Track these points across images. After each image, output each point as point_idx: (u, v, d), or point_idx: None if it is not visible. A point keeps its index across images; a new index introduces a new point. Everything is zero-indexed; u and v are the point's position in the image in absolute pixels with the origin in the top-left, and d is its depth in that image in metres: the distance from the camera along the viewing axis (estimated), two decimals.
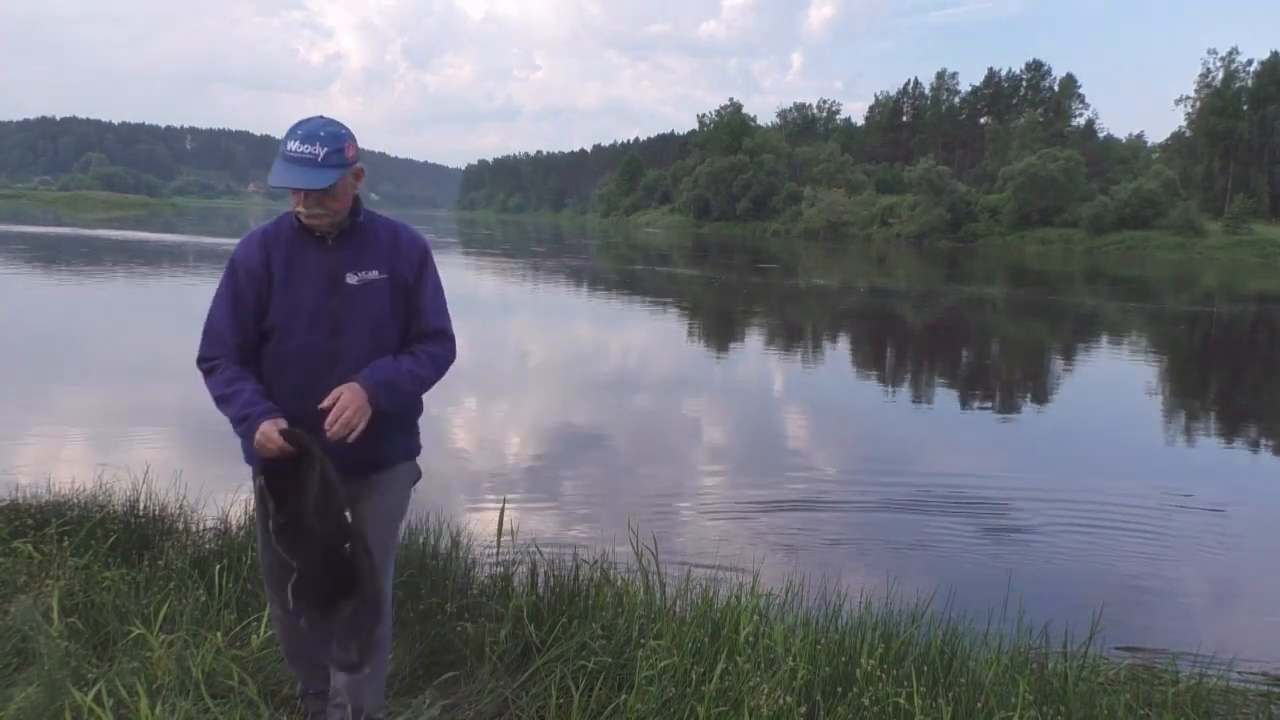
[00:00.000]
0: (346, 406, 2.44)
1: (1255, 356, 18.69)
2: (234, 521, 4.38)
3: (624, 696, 2.91)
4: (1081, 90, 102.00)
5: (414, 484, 2.84)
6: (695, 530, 6.32)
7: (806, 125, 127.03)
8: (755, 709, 2.75)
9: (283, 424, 2.42)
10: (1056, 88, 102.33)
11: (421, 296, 2.68)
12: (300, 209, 2.52)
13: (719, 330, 19.96)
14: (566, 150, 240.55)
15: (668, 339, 17.79)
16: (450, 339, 2.74)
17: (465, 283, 27.42)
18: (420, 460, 2.84)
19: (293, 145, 2.45)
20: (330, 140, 2.45)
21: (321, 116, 2.55)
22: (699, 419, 10.65)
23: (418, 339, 2.68)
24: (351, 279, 2.57)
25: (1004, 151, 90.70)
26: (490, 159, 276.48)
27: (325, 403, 2.43)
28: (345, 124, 2.56)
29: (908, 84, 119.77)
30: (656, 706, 2.85)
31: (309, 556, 2.45)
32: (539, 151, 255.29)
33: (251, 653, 3.19)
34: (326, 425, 2.42)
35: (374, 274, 2.60)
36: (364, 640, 2.51)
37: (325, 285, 2.56)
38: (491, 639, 3.30)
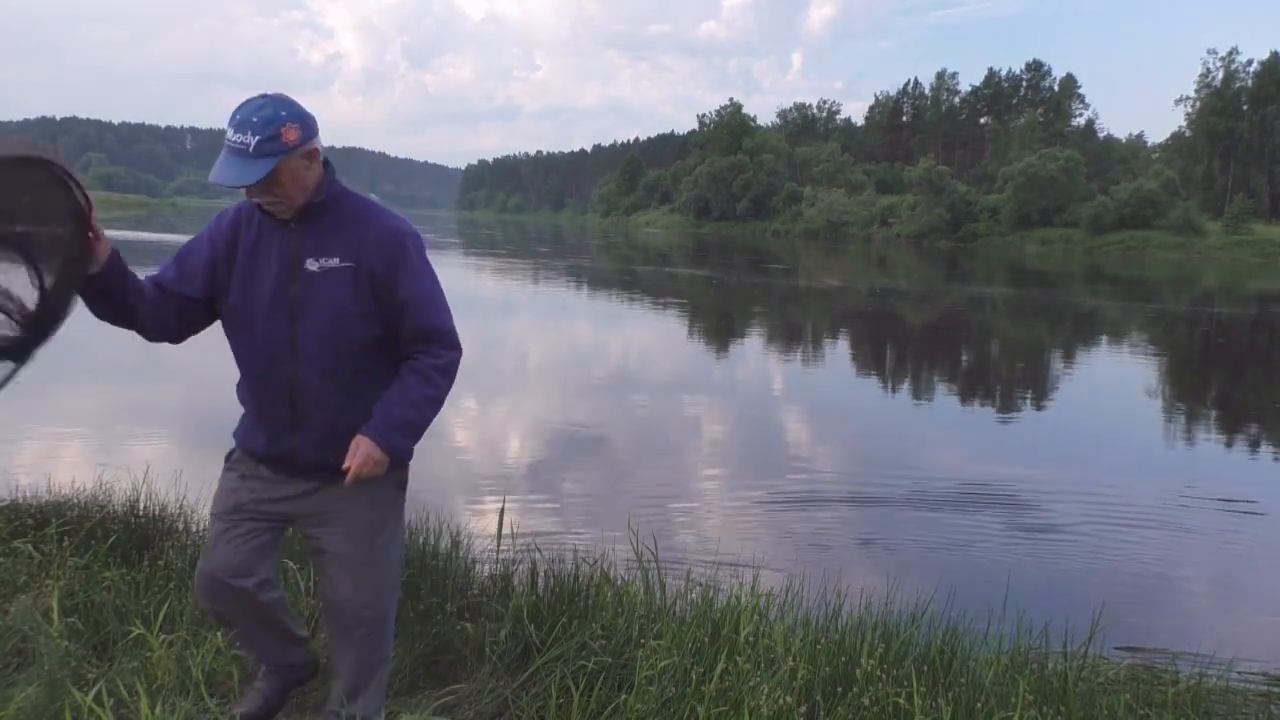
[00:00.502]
0: (364, 464, 2.34)
1: (1256, 357, 18.69)
2: None
3: (624, 696, 2.91)
4: (1081, 90, 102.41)
5: (401, 491, 2.64)
6: (695, 530, 6.32)
7: (806, 125, 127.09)
8: (755, 709, 2.75)
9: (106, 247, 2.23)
10: (1056, 88, 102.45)
11: (406, 290, 2.43)
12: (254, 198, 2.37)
13: (725, 330, 19.96)
14: (566, 150, 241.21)
15: (672, 339, 17.79)
16: (452, 337, 2.51)
17: (471, 283, 27.41)
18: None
19: (229, 133, 2.27)
20: (263, 126, 2.24)
21: (264, 96, 2.33)
22: (700, 418, 10.65)
23: (413, 341, 2.47)
24: (311, 265, 2.39)
25: (1004, 151, 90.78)
26: (490, 159, 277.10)
27: (346, 462, 2.35)
28: (295, 102, 2.34)
29: (908, 84, 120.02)
30: (656, 706, 2.84)
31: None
32: (539, 151, 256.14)
33: None
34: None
35: (335, 261, 2.39)
36: None
37: (284, 270, 2.40)
38: (491, 639, 3.29)
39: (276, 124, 2.26)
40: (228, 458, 2.59)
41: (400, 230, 2.47)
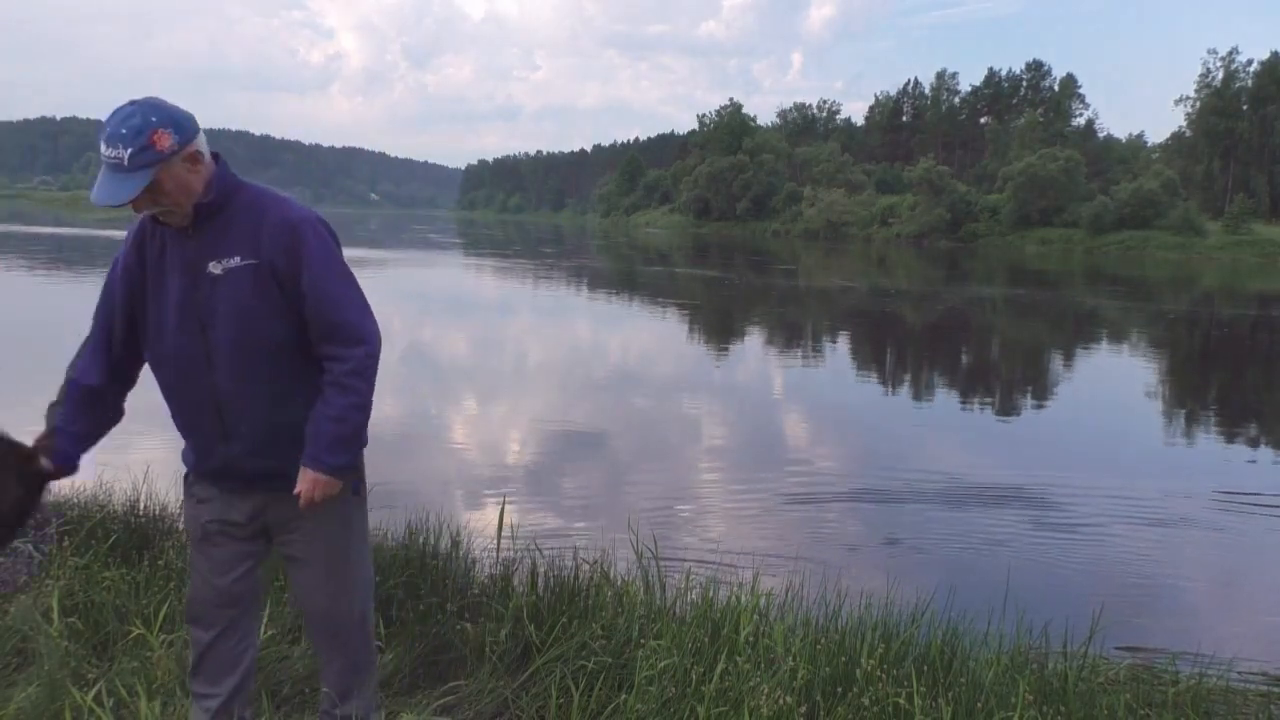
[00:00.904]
0: (311, 492, 2.33)
1: (1257, 357, 18.69)
2: None
3: (624, 696, 2.91)
4: (1081, 90, 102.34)
5: (358, 493, 2.55)
6: (695, 530, 6.32)
7: (806, 125, 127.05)
8: (755, 709, 2.75)
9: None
10: (1056, 88, 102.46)
11: (305, 282, 2.31)
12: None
13: (732, 331, 19.95)
14: (566, 150, 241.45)
15: (680, 339, 17.79)
16: (359, 330, 2.36)
17: (487, 284, 27.34)
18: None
19: (102, 149, 2.16)
20: (134, 137, 2.13)
21: (132, 103, 2.20)
22: (700, 418, 10.64)
23: (320, 339, 2.35)
24: (214, 268, 2.28)
25: (1004, 151, 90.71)
26: (490, 159, 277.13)
27: (296, 489, 2.35)
28: (166, 105, 2.23)
29: (908, 84, 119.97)
30: (656, 706, 2.85)
31: None
32: (539, 151, 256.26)
33: None
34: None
35: (236, 260, 2.28)
36: None
37: (188, 278, 2.30)
38: (491, 639, 3.30)
39: (146, 132, 2.15)
40: (185, 481, 2.55)
41: (298, 218, 2.34)
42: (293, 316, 2.33)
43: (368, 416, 2.40)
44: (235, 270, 2.28)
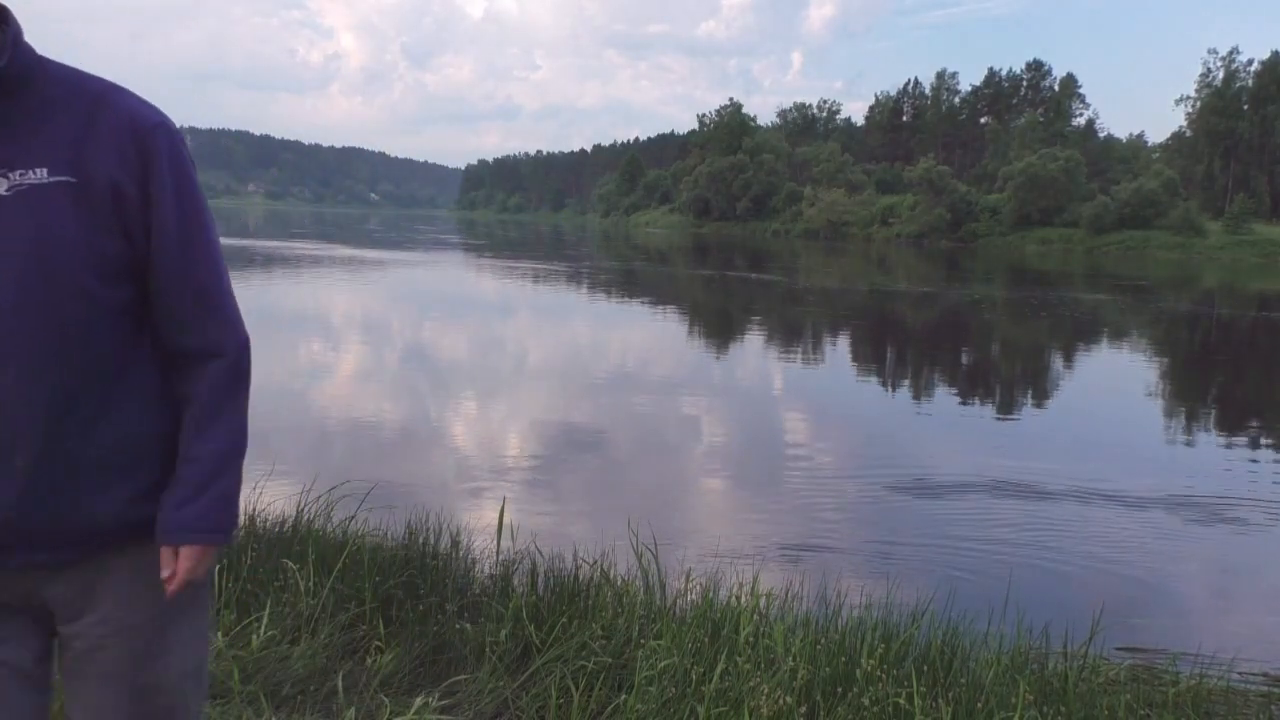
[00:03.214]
0: (195, 571, 1.50)
1: (1257, 357, 18.68)
2: None
3: (624, 696, 2.91)
4: (1081, 90, 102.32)
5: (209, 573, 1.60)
6: (695, 530, 6.32)
7: (806, 125, 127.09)
8: (755, 709, 2.75)
9: None
10: (1056, 88, 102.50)
11: (167, 228, 1.44)
12: None
13: (757, 330, 19.96)
14: (566, 150, 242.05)
15: (688, 337, 17.80)
16: (230, 304, 1.55)
17: (534, 288, 27.30)
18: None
19: None
20: None
21: None
22: (700, 419, 10.64)
23: (184, 325, 1.50)
24: None
25: (1004, 151, 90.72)
26: (490, 159, 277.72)
27: (164, 573, 1.50)
28: None
29: (908, 84, 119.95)
30: (656, 706, 2.84)
31: None
32: (539, 151, 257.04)
33: (251, 653, 3.18)
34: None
35: (39, 173, 1.36)
36: None
37: None
38: (491, 639, 3.30)
39: None
40: None
41: (155, 123, 1.46)
42: (129, 277, 1.45)
43: (246, 444, 1.60)
44: (36, 190, 1.36)
